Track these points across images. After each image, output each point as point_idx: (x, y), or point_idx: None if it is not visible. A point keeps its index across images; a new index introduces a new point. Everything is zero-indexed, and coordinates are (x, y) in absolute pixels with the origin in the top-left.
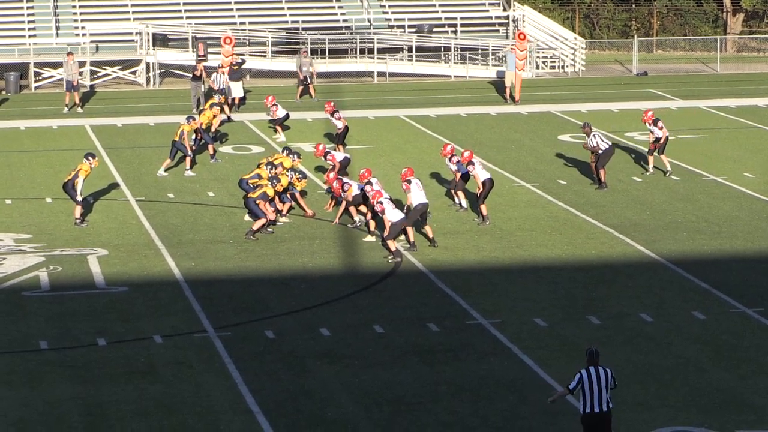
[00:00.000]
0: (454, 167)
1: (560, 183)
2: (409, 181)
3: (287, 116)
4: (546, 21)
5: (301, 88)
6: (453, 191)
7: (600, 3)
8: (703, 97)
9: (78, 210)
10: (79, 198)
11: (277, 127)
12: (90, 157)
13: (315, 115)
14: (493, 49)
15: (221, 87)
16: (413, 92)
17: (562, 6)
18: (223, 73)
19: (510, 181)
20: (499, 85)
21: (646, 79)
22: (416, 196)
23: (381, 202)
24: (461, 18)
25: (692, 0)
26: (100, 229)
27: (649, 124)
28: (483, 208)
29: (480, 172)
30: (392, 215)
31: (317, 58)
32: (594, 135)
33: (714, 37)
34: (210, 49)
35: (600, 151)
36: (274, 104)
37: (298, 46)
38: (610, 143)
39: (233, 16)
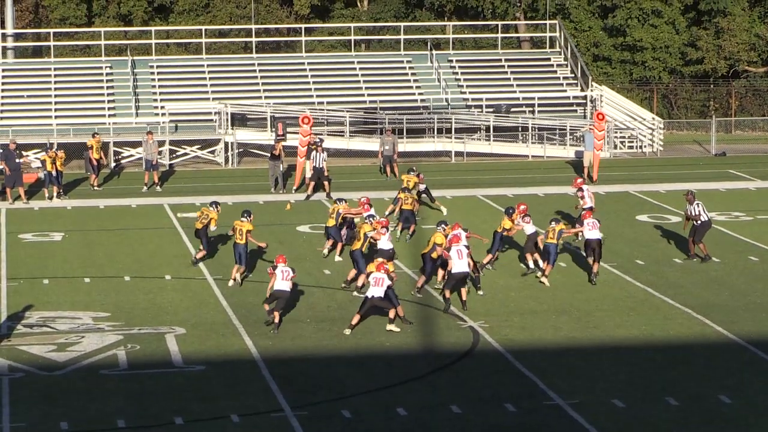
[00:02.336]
0: (526, 227)
1: (638, 263)
2: (449, 249)
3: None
4: (624, 101)
5: (387, 165)
6: (529, 254)
7: (678, 83)
8: None
9: (201, 254)
10: (205, 244)
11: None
12: (216, 206)
13: (393, 194)
14: (570, 129)
15: (320, 165)
16: (491, 172)
17: (640, 86)
18: (322, 151)
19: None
20: (577, 165)
21: (724, 160)
22: (457, 264)
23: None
24: (539, 98)
25: None
26: (178, 308)
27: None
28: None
29: (588, 233)
30: (456, 265)
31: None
32: (697, 204)
33: None
34: (288, 129)
35: (699, 222)
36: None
37: (375, 126)
38: (708, 216)
39: (311, 96)
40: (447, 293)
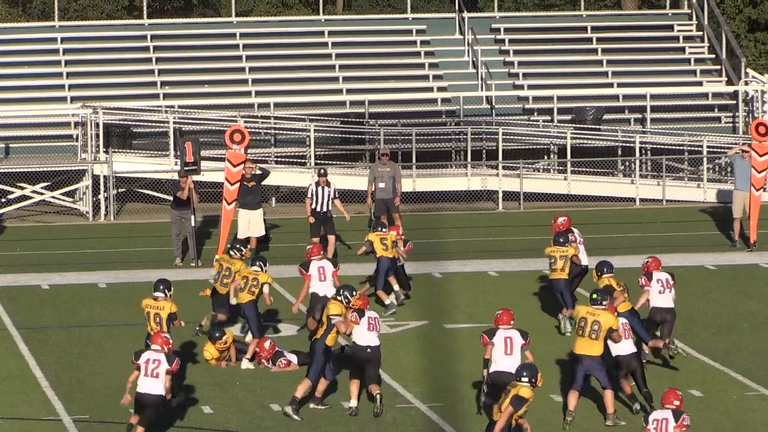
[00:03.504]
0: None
1: None
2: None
3: None
4: None
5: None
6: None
7: None
8: None
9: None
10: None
11: None
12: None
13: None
14: (710, 152)
15: (323, 208)
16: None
17: None
18: (326, 185)
19: (741, 386)
20: (721, 214)
21: None
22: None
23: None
24: (653, 97)
25: None
26: None
27: None
28: None
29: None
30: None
31: None
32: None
33: None
34: (202, 151)
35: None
36: None
37: (362, 147)
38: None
39: (247, 93)
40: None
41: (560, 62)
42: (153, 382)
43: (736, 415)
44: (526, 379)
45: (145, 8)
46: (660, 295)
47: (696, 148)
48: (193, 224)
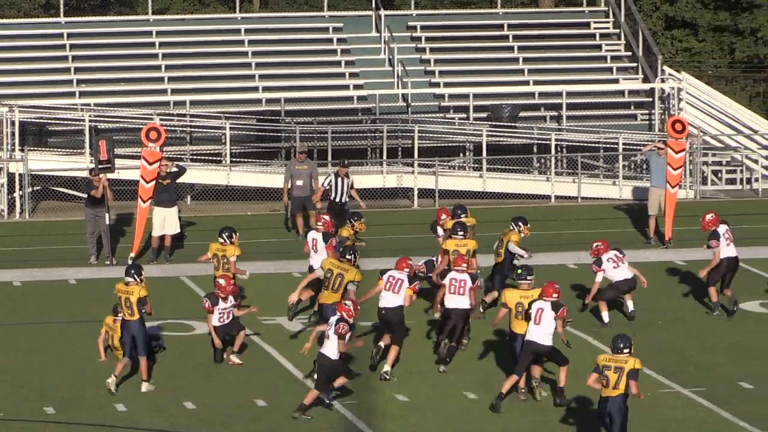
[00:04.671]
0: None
1: (744, 387)
2: None
3: None
4: (721, 100)
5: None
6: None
7: None
8: None
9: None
10: None
11: None
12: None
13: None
14: (626, 149)
15: (342, 199)
16: (484, 226)
17: (748, 73)
18: (346, 176)
19: (656, 384)
20: (636, 212)
21: None
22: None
23: None
24: (569, 95)
25: None
26: None
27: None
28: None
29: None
30: None
31: None
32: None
33: None
34: (117, 149)
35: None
36: None
37: (278, 145)
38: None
39: (163, 91)
40: None
41: (476, 60)
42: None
43: (650, 412)
44: (628, 350)
45: (62, 6)
46: (616, 270)
47: (612, 146)
48: (107, 222)
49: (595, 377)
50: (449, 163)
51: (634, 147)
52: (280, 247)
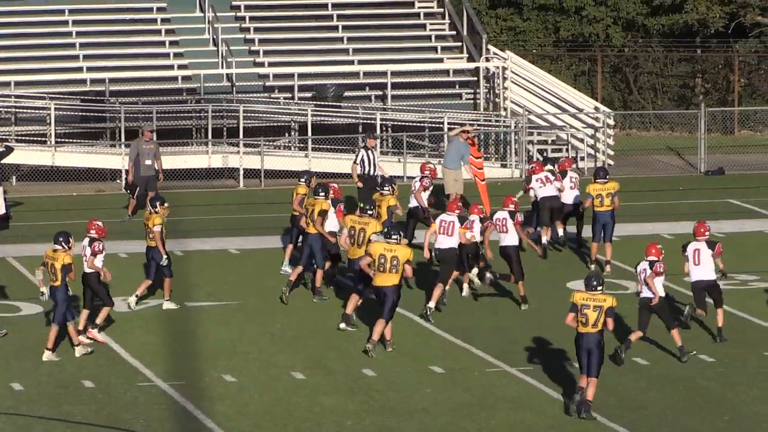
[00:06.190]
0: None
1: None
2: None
3: None
4: (544, 78)
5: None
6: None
7: (640, 47)
8: None
9: None
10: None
11: None
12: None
13: None
14: (450, 128)
15: (372, 170)
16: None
17: (574, 52)
18: (372, 149)
19: (483, 363)
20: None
21: (721, 181)
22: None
23: None
24: (394, 74)
25: None
26: None
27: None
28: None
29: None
30: None
31: None
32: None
33: None
34: None
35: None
36: None
37: (104, 126)
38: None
39: None
40: None
41: (301, 39)
42: None
43: (478, 391)
44: (602, 288)
45: None
46: (543, 188)
47: (437, 125)
48: None
49: (572, 316)
50: (275, 143)
51: (460, 126)
52: (111, 227)
